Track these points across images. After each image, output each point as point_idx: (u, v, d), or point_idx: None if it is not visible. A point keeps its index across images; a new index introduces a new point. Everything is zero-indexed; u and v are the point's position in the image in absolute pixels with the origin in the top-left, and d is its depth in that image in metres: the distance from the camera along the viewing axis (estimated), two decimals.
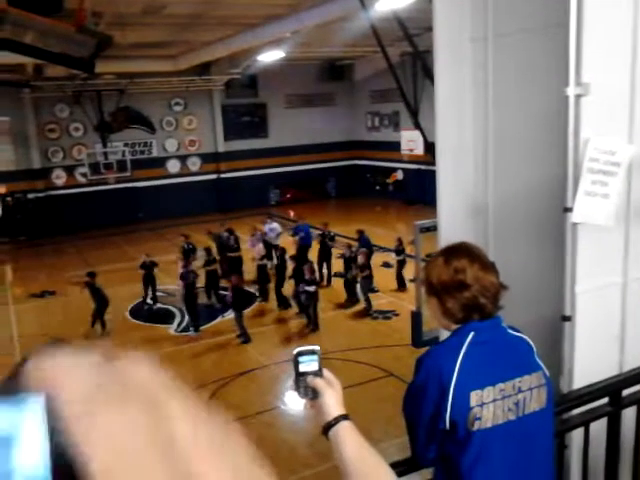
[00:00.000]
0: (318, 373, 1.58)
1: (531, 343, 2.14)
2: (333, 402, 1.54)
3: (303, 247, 16.71)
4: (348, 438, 1.48)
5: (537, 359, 2.12)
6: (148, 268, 15.46)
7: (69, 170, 25.78)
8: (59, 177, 25.72)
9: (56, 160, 25.62)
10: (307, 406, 1.59)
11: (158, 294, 15.82)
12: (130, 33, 15.70)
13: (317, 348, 1.61)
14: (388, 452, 8.43)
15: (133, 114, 26.17)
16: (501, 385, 1.98)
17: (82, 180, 25.79)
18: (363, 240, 16.71)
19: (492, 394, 1.96)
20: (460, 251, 2.10)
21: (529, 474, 2.05)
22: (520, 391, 2.01)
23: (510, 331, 2.12)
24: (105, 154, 25.74)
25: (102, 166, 25.56)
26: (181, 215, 24.98)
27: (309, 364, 1.59)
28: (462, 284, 2.02)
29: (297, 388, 1.59)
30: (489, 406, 1.95)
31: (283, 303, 14.64)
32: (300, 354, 1.60)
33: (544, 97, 2.92)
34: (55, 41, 7.16)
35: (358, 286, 14.75)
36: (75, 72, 14.62)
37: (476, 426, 1.94)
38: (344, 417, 1.52)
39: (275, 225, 17.54)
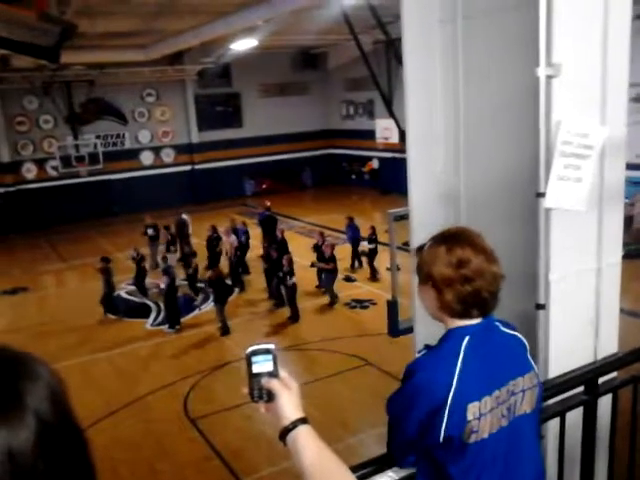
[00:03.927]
0: (273, 373, 1.46)
1: (524, 341, 2.01)
2: (290, 405, 1.43)
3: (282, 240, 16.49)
4: (307, 444, 1.37)
5: (529, 358, 1.99)
6: (138, 262, 15.47)
7: (40, 163, 25.27)
8: (30, 171, 25.20)
9: (26, 153, 25.07)
10: (262, 409, 1.48)
11: (130, 288, 15.86)
12: (99, 22, 15.37)
13: (272, 347, 1.48)
14: (366, 442, 8.43)
15: (104, 105, 25.71)
16: (497, 392, 1.85)
17: (53, 173, 25.31)
18: (352, 228, 16.56)
19: (489, 404, 1.82)
20: (463, 239, 1.89)
21: (519, 475, 1.94)
22: (513, 394, 1.89)
23: (503, 329, 1.97)
24: (76, 146, 25.28)
25: (74, 159, 25.09)
26: (156, 207, 24.55)
27: (263, 364, 1.46)
28: (466, 277, 1.82)
29: (251, 390, 1.47)
30: (486, 417, 1.82)
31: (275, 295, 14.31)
32: (253, 354, 1.47)
33: (515, 79, 2.84)
34: (17, 30, 6.93)
35: (323, 279, 14.61)
36: (43, 63, 14.26)
37: (473, 438, 1.81)
38: (302, 421, 1.41)
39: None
